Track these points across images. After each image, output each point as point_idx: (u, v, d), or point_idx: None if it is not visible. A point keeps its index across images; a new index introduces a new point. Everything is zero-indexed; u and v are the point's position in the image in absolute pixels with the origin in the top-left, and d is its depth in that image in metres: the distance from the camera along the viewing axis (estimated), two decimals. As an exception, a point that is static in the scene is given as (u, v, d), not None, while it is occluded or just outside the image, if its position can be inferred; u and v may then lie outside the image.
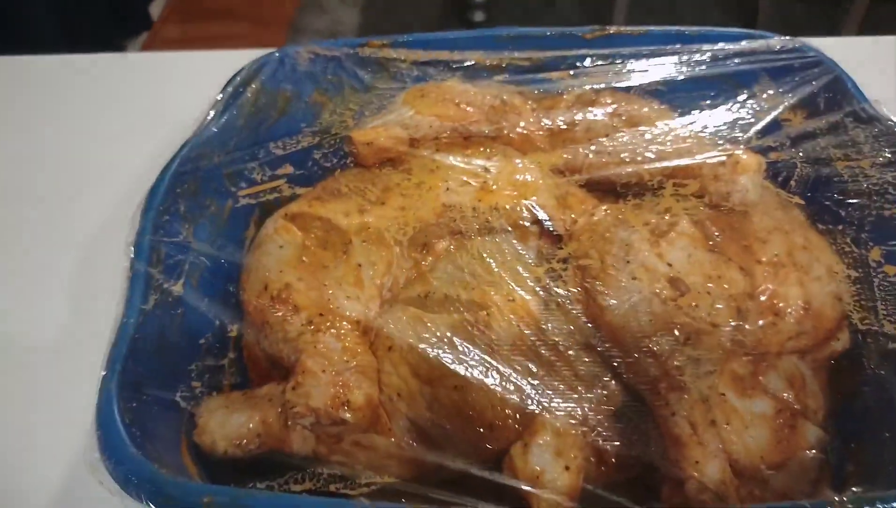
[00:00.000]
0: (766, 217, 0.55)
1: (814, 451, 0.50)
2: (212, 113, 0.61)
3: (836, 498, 0.37)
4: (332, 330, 0.50)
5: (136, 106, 0.91)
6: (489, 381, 0.47)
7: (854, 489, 0.42)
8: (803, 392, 0.52)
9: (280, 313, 0.51)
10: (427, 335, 0.50)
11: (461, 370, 0.48)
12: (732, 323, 0.49)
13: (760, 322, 0.51)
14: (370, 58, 0.68)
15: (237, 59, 0.68)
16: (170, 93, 0.89)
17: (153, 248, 0.50)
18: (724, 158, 0.53)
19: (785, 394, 0.51)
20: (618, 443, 0.49)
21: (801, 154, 0.54)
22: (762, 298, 0.51)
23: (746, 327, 0.50)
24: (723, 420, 0.49)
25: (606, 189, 0.59)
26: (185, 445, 0.48)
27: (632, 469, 0.50)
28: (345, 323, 0.50)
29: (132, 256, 0.48)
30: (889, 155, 0.51)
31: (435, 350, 0.49)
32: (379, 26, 2.51)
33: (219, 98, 0.62)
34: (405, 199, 0.55)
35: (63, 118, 0.90)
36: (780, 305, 0.51)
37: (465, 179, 0.55)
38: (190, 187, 0.56)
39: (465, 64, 0.67)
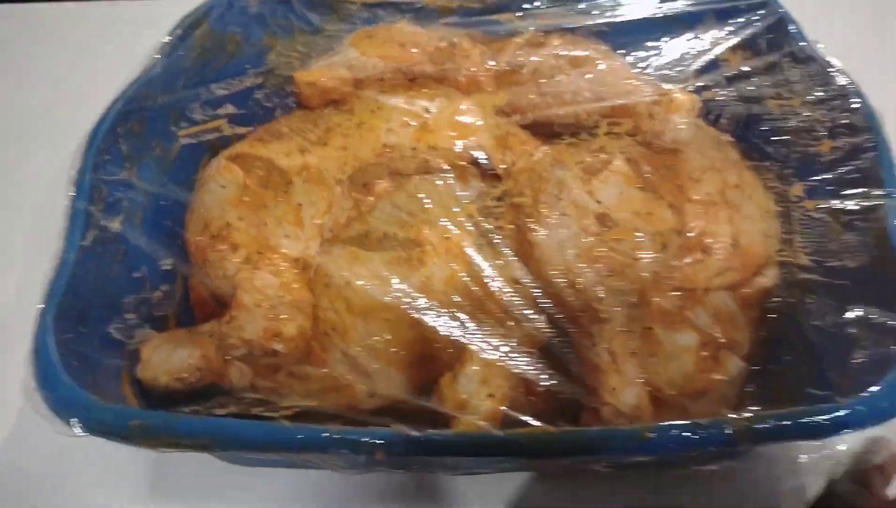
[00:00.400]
0: (700, 157, 0.56)
1: (734, 380, 0.52)
2: (158, 55, 0.61)
3: (733, 417, 0.38)
4: (270, 267, 0.51)
5: (84, 57, 0.91)
6: (421, 315, 0.49)
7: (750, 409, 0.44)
8: (730, 327, 0.53)
9: (220, 251, 0.52)
10: (363, 272, 0.51)
11: (393, 304, 0.49)
12: (657, 256, 0.50)
13: (689, 259, 0.52)
14: (320, 0, 0.67)
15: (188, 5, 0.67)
16: (118, 43, 0.89)
17: (93, 186, 0.50)
18: (658, 97, 0.53)
19: (711, 328, 0.53)
20: (545, 374, 0.51)
21: (734, 93, 0.54)
22: (691, 235, 0.52)
23: (674, 262, 0.52)
24: (647, 352, 0.51)
25: (549, 131, 0.60)
26: (126, 379, 0.49)
27: (559, 398, 0.52)
28: (282, 260, 0.52)
29: (72, 193, 0.49)
30: (821, 93, 0.52)
31: (369, 285, 0.50)
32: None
33: (165, 40, 0.62)
34: (346, 139, 0.56)
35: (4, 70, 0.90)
36: (709, 242, 0.52)
37: (406, 119, 0.56)
38: (133, 127, 0.57)
39: (416, 6, 0.67)
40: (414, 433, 0.38)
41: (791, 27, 0.58)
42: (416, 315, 0.49)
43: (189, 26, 0.64)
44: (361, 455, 0.38)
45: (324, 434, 0.38)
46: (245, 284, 0.50)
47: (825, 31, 0.58)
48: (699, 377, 0.51)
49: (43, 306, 0.45)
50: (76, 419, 0.39)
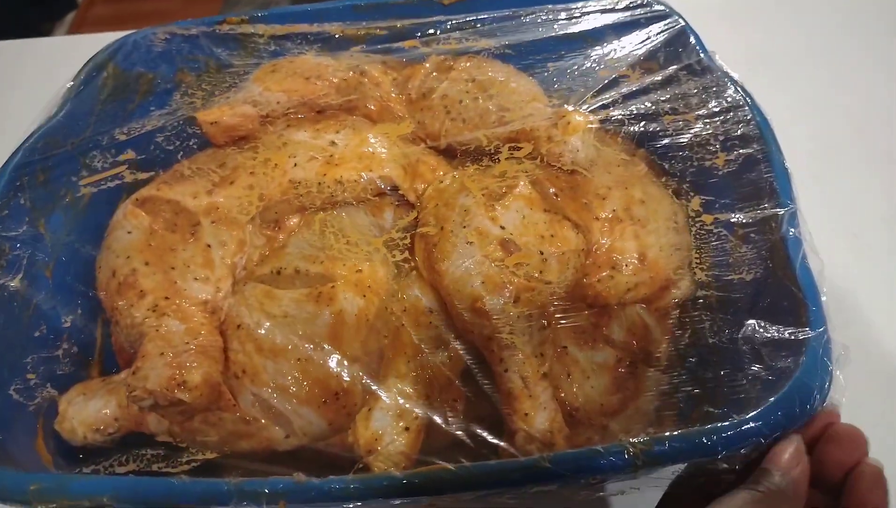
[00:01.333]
0: (605, 174, 0.57)
1: (651, 393, 0.52)
2: (62, 101, 0.60)
3: (631, 441, 0.39)
4: (178, 313, 0.50)
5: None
6: (330, 359, 0.49)
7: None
8: (645, 340, 0.54)
9: (127, 299, 0.51)
10: (274, 310, 0.51)
11: (304, 344, 0.49)
12: (562, 277, 0.51)
13: (599, 276, 0.53)
14: (228, 35, 0.67)
15: (86, 44, 0.67)
16: (32, 82, 0.87)
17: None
18: (552, 117, 0.54)
19: (626, 343, 0.54)
20: (464, 403, 0.52)
21: (630, 111, 0.55)
22: (599, 252, 0.53)
23: (584, 280, 0.53)
24: (563, 373, 0.51)
25: (458, 153, 0.60)
26: (41, 436, 0.48)
27: (477, 424, 0.52)
28: (190, 304, 0.51)
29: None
30: (714, 106, 0.53)
31: (279, 325, 0.50)
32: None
33: (69, 85, 0.61)
34: (253, 177, 0.56)
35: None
36: (616, 258, 0.53)
37: (312, 154, 0.56)
38: (38, 178, 0.56)
39: (324, 36, 0.67)
40: (314, 480, 0.38)
41: (691, 38, 0.59)
42: (325, 356, 0.49)
43: (94, 68, 0.64)
44: (263, 505, 0.38)
45: (223, 487, 0.38)
46: (150, 332, 0.49)
47: (726, 41, 0.60)
48: (616, 392, 0.52)
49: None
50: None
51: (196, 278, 0.52)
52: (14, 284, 0.49)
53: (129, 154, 0.59)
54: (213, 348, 0.49)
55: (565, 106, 0.56)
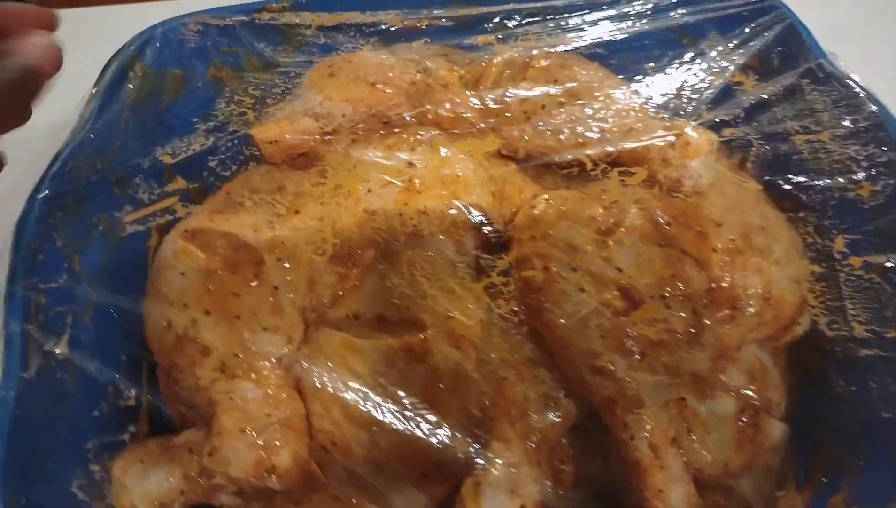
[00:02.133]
0: (719, 195, 0.50)
1: (777, 448, 0.48)
2: (87, 112, 0.52)
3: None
4: (251, 374, 0.44)
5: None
6: (428, 424, 0.43)
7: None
8: (765, 385, 0.49)
9: (188, 356, 0.45)
10: (358, 367, 0.45)
11: (397, 423, 0.43)
12: (689, 329, 0.45)
13: (719, 317, 0.47)
14: (269, 25, 0.58)
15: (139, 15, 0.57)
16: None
17: (28, 299, 0.42)
18: (672, 137, 0.47)
19: (746, 390, 0.48)
20: (573, 463, 0.46)
21: (756, 129, 0.49)
22: (720, 291, 0.47)
23: (707, 323, 0.47)
24: (684, 430, 0.46)
25: (545, 170, 0.53)
26: (96, 513, 0.42)
27: (591, 485, 0.47)
28: (264, 362, 0.45)
29: (3, 314, 0.41)
30: (850, 124, 0.46)
31: (368, 387, 0.44)
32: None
33: (93, 91, 0.53)
34: (322, 206, 0.48)
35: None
36: (740, 296, 0.47)
37: (387, 177, 0.49)
38: (70, 209, 0.48)
39: (380, 27, 0.59)
40: None
41: (805, 37, 0.52)
42: (422, 427, 0.43)
43: (121, 70, 0.55)
44: None
45: None
46: (223, 401, 0.43)
47: (831, 32, 0.53)
48: (742, 449, 0.47)
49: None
50: None
51: (266, 328, 0.46)
52: (60, 349, 0.42)
53: (180, 182, 0.51)
54: (297, 416, 0.43)
55: (675, 119, 0.49)
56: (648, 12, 0.55)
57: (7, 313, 0.41)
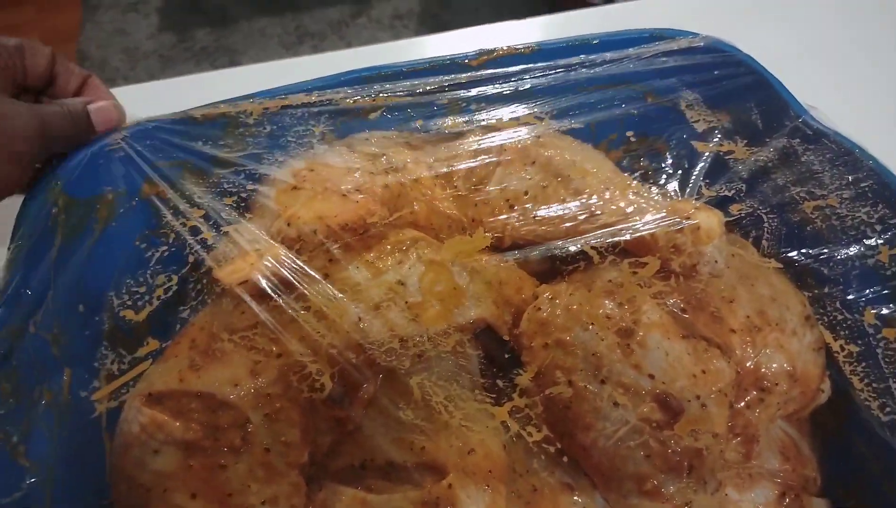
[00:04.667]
0: (724, 270, 0.48)
1: (824, 528, 0.45)
2: (10, 264, 0.44)
3: None
4: (257, 562, 0.38)
5: None
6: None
7: None
8: (799, 462, 0.46)
9: (179, 552, 0.38)
10: (379, 529, 0.39)
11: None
12: (727, 425, 0.42)
13: (746, 401, 0.45)
14: (206, 118, 0.52)
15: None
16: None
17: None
18: (677, 220, 0.44)
19: (781, 471, 0.46)
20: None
21: (761, 201, 0.46)
22: (743, 373, 0.45)
23: (741, 410, 0.44)
24: (732, 529, 0.43)
25: (538, 264, 0.50)
26: None
27: None
28: (269, 544, 0.38)
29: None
30: (852, 183, 0.45)
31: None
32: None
33: (18, 245, 0.45)
34: (306, 343, 0.43)
35: None
36: (766, 377, 0.45)
37: (376, 302, 0.44)
38: (4, 389, 0.41)
39: (328, 106, 0.53)
40: None
41: (780, 92, 0.50)
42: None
43: (41, 208, 0.47)
44: None
45: None
46: None
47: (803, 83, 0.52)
48: (791, 540, 0.44)
49: None
50: None
51: (264, 502, 0.39)
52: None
53: (151, 344, 0.44)
54: None
55: (671, 197, 0.46)
56: (614, 71, 0.52)
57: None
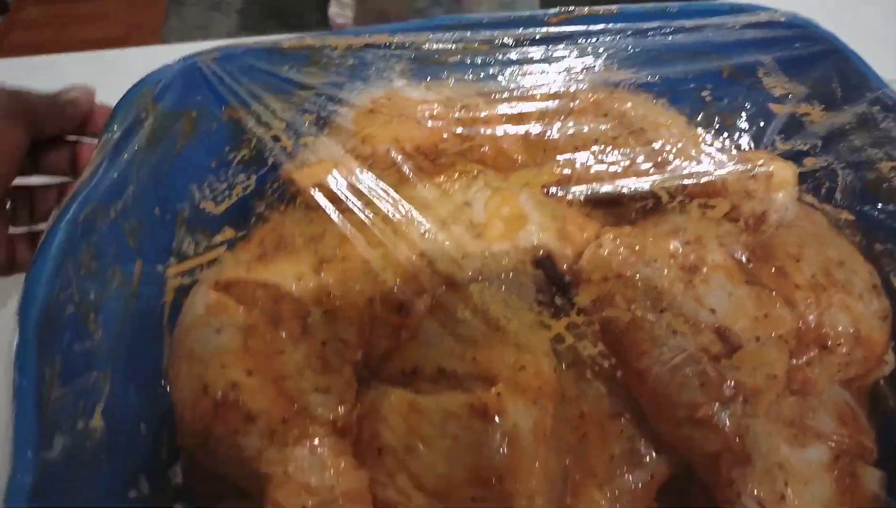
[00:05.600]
0: (792, 227, 0.47)
1: (878, 497, 0.44)
2: (99, 157, 0.47)
3: None
4: (304, 441, 0.38)
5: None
6: (512, 485, 0.38)
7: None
8: (855, 428, 0.45)
9: (230, 424, 0.39)
10: (426, 429, 0.39)
11: (476, 476, 0.38)
12: (787, 371, 0.41)
13: (807, 358, 0.44)
14: (293, 48, 0.54)
15: (118, 60, 0.53)
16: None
17: (42, 365, 0.36)
18: (749, 166, 0.44)
19: (837, 435, 0.44)
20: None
21: (837, 158, 0.46)
22: (807, 330, 0.44)
23: (795, 363, 0.43)
24: (782, 482, 0.42)
25: (604, 206, 0.50)
26: None
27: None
28: (317, 427, 0.39)
29: (14, 387, 0.34)
30: (931, 148, 0.44)
31: (437, 452, 0.38)
32: None
33: (105, 137, 0.47)
34: (372, 251, 0.44)
35: None
36: (828, 335, 0.44)
37: (443, 218, 0.44)
38: (84, 261, 0.42)
39: (411, 49, 0.54)
40: None
41: (860, 66, 0.50)
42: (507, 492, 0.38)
43: (133, 111, 0.50)
44: None
45: None
46: (277, 473, 0.37)
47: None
48: (842, 501, 0.42)
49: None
50: None
51: (316, 389, 0.40)
52: (95, 422, 0.36)
53: (227, 233, 0.46)
54: (362, 489, 0.37)
55: (746, 150, 0.46)
56: (695, 40, 0.53)
57: (18, 389, 0.35)
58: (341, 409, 0.41)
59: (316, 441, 0.39)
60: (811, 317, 0.44)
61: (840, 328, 0.44)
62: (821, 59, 0.51)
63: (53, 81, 0.51)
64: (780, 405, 0.43)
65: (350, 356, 0.42)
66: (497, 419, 0.39)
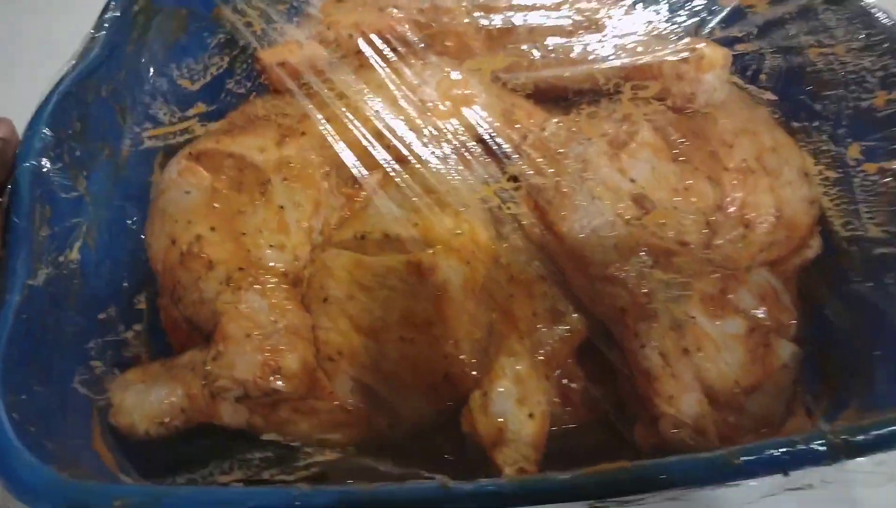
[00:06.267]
0: (731, 118, 0.50)
1: (788, 368, 0.47)
2: (93, 38, 0.51)
3: (828, 429, 0.33)
4: (256, 286, 0.43)
5: (20, 38, 0.80)
6: (437, 337, 0.42)
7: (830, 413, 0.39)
8: (776, 307, 0.48)
9: (193, 271, 0.44)
10: (367, 281, 0.44)
11: (406, 320, 0.42)
12: (702, 239, 0.44)
13: (730, 236, 0.47)
14: None
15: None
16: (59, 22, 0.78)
17: (36, 205, 0.41)
18: (686, 53, 0.47)
19: (756, 311, 0.48)
20: (583, 381, 0.46)
21: (769, 44, 0.48)
22: (731, 209, 0.47)
23: (717, 242, 0.46)
24: (694, 346, 0.45)
25: (556, 98, 0.53)
26: (98, 431, 0.41)
27: (600, 406, 0.46)
28: (270, 276, 0.44)
29: (10, 218, 0.40)
30: (864, 38, 0.46)
31: (375, 299, 0.43)
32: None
33: (100, 20, 0.52)
34: (329, 125, 0.48)
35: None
36: (751, 215, 0.47)
37: (397, 95, 0.48)
38: (75, 131, 0.48)
39: None
40: (464, 486, 0.32)
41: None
42: (433, 330, 0.42)
43: (124, 3, 0.54)
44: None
45: (356, 495, 0.32)
46: (229, 309, 0.42)
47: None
48: (752, 367, 0.46)
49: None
50: (46, 505, 0.32)
51: (272, 246, 0.45)
52: (72, 255, 0.41)
53: (200, 107, 0.51)
54: (304, 327, 0.42)
55: (687, 39, 0.48)
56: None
57: (13, 223, 0.41)
58: (294, 264, 0.45)
59: (268, 288, 0.44)
60: (737, 196, 0.47)
61: (763, 210, 0.47)
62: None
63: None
64: (703, 281, 0.46)
65: (305, 220, 0.47)
66: (431, 274, 0.43)
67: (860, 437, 0.33)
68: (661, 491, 0.33)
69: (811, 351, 0.48)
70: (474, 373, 0.43)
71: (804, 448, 0.33)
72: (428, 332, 0.42)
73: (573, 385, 0.46)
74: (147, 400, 0.43)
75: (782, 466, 0.33)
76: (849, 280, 0.44)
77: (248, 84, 0.52)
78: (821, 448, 0.33)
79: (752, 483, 0.34)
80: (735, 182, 0.47)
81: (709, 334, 0.46)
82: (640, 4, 0.53)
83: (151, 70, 0.54)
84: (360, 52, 0.51)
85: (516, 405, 0.41)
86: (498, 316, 0.44)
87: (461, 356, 0.43)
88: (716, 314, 0.47)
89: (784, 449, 0.33)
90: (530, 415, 0.41)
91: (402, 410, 0.42)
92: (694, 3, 0.52)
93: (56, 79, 0.48)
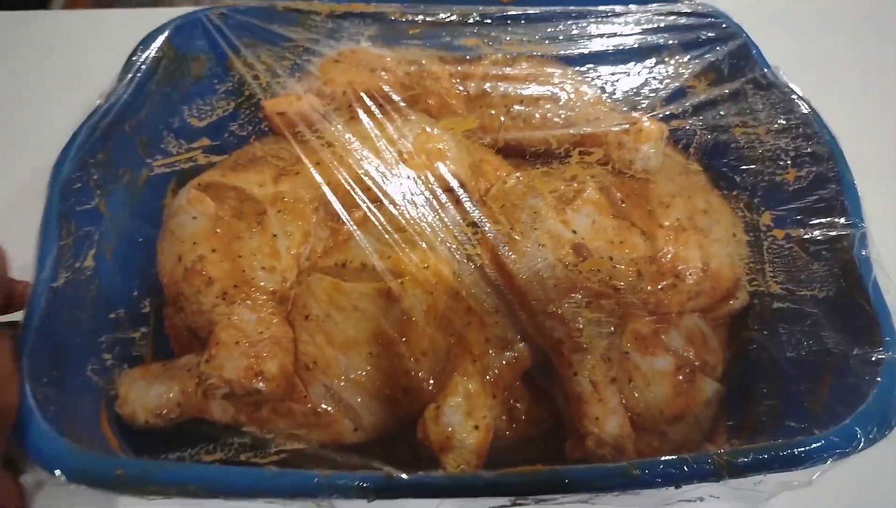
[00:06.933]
0: (669, 182, 0.57)
1: (710, 403, 0.53)
2: (121, 79, 0.59)
3: (716, 451, 0.40)
4: (247, 301, 0.50)
5: (55, 67, 0.88)
6: (400, 355, 0.49)
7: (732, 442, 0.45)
8: (703, 349, 0.55)
9: (194, 286, 0.51)
10: (343, 303, 0.51)
11: (375, 339, 0.49)
12: (632, 286, 0.51)
13: (662, 284, 0.54)
14: (286, 10, 0.66)
15: (160, 16, 0.66)
16: (91, 53, 0.86)
17: (62, 219, 0.49)
18: (627, 126, 0.54)
19: (685, 351, 0.54)
20: (528, 401, 0.52)
21: (700, 122, 0.56)
22: (664, 260, 0.54)
23: (648, 288, 0.53)
24: (625, 378, 0.52)
25: (520, 156, 0.61)
26: (105, 417, 0.48)
27: (541, 424, 0.52)
28: (260, 294, 0.51)
29: (40, 229, 0.47)
30: (783, 122, 0.54)
31: (349, 319, 0.50)
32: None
33: (129, 63, 0.60)
34: (319, 168, 0.55)
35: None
36: (681, 267, 0.54)
37: (380, 146, 0.56)
38: (101, 157, 0.55)
39: (380, 16, 0.66)
40: (404, 476, 0.38)
41: (753, 52, 0.60)
42: (397, 348, 0.49)
43: (149, 48, 0.62)
44: (353, 499, 0.38)
45: (314, 480, 0.38)
46: (223, 320, 0.49)
47: (785, 54, 0.60)
48: (676, 400, 0.52)
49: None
50: (59, 470, 0.38)
51: (263, 268, 0.52)
52: (88, 262, 0.49)
53: (204, 141, 0.58)
54: (286, 338, 0.49)
55: (633, 113, 0.56)
56: (619, 26, 0.63)
57: (42, 231, 0.48)
58: (282, 285, 0.52)
59: (258, 303, 0.51)
60: (669, 250, 0.54)
61: (691, 262, 0.54)
62: (720, 44, 0.61)
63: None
64: (637, 322, 0.53)
65: (294, 248, 0.54)
66: (399, 301, 0.50)
67: (741, 459, 0.40)
68: (570, 493, 0.39)
69: (737, 387, 0.54)
70: (431, 388, 0.50)
71: (694, 465, 0.40)
72: (393, 350, 0.49)
73: (518, 405, 0.52)
74: (148, 395, 0.50)
75: (674, 479, 0.39)
76: (749, 328, 0.51)
77: (250, 128, 0.60)
78: (708, 466, 0.39)
79: (649, 491, 0.40)
80: (668, 237, 0.54)
81: (640, 367, 0.53)
82: (597, 80, 0.61)
83: (168, 109, 0.62)
84: (351, 106, 0.59)
85: (464, 417, 0.48)
86: (455, 340, 0.51)
87: (420, 373, 0.49)
88: (647, 352, 0.53)
89: (676, 465, 0.39)
90: (476, 427, 0.48)
91: (366, 416, 0.49)
92: (642, 82, 0.60)
93: (86, 111, 0.56)
